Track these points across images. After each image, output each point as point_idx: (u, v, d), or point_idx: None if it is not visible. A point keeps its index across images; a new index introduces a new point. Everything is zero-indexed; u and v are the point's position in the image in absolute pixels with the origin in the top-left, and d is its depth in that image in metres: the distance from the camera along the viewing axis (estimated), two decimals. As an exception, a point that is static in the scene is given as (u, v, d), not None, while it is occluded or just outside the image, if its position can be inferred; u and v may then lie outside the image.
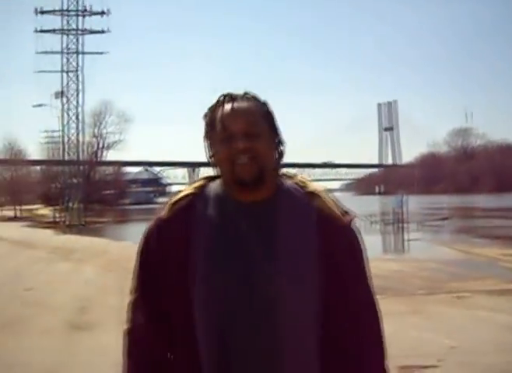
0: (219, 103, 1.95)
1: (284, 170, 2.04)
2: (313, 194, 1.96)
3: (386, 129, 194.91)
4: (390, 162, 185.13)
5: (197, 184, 2.01)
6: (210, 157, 1.97)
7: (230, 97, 1.94)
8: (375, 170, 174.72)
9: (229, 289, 1.83)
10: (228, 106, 1.92)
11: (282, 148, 1.99)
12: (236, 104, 1.92)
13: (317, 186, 2.00)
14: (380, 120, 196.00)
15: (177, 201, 1.97)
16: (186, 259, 1.88)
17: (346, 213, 1.96)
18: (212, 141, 1.96)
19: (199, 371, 1.86)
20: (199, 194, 1.96)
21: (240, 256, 1.85)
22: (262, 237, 1.87)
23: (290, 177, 2.03)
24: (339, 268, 1.90)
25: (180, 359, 1.93)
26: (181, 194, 1.99)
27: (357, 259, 1.96)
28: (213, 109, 1.96)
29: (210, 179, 2.03)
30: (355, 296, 1.93)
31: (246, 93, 1.97)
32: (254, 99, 1.96)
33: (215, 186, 1.98)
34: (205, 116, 1.98)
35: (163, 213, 1.97)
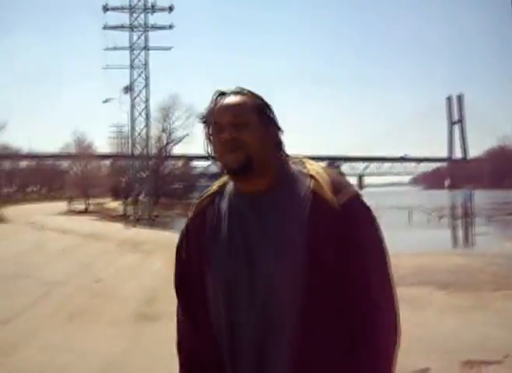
0: (212, 101, 2.06)
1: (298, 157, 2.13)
2: (311, 177, 2.01)
3: (454, 122, 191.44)
4: (459, 155, 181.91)
5: (220, 182, 2.16)
6: (210, 153, 2.08)
7: (222, 93, 2.05)
8: (443, 164, 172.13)
9: (230, 270, 1.97)
10: (219, 102, 2.03)
11: (278, 136, 2.07)
12: (225, 99, 2.03)
13: (315, 169, 2.04)
14: (449, 113, 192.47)
15: (202, 200, 2.16)
16: (202, 253, 2.06)
17: (340, 191, 1.96)
18: (211, 138, 2.07)
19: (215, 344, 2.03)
20: (219, 192, 2.13)
21: (240, 242, 1.98)
22: (259, 223, 1.97)
23: (301, 162, 2.09)
24: (330, 247, 1.91)
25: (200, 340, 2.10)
26: (206, 193, 2.17)
27: (353, 236, 1.93)
28: (208, 108, 2.06)
29: None
30: (354, 289, 1.93)
31: (237, 88, 2.07)
32: (245, 92, 2.06)
33: (231, 183, 2.11)
34: (202, 115, 2.08)
35: (192, 212, 2.18)
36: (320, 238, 1.90)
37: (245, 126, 1.97)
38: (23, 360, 6.81)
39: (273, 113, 2.07)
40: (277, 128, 2.07)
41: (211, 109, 2.04)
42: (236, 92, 2.04)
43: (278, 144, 2.07)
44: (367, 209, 2.01)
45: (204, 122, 2.07)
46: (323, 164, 2.16)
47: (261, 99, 2.06)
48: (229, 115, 1.97)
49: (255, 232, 1.97)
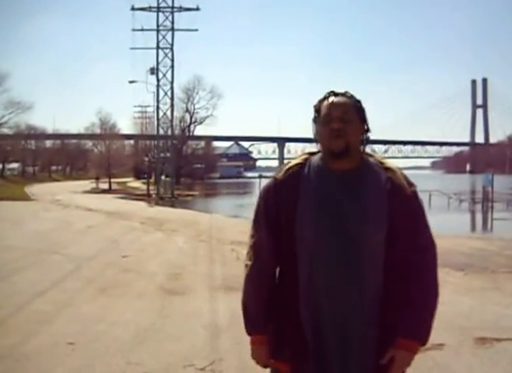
0: (325, 97, 2.72)
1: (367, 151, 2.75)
2: (388, 169, 2.70)
3: (478, 106, 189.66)
4: (481, 140, 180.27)
5: (303, 157, 2.79)
6: (315, 135, 2.68)
7: (334, 93, 2.72)
8: (465, 148, 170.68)
9: (322, 228, 2.59)
10: (331, 99, 2.70)
11: (367, 135, 2.73)
12: (337, 98, 2.69)
13: (391, 163, 2.75)
14: (474, 97, 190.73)
15: (290, 168, 2.74)
16: (294, 210, 2.64)
17: (411, 184, 2.70)
18: (317, 124, 2.71)
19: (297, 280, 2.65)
20: (305, 164, 2.74)
21: (332, 208, 2.61)
22: (348, 195, 2.62)
23: (371, 156, 2.72)
24: (401, 221, 2.62)
25: (285, 272, 2.73)
26: (293, 163, 2.77)
27: (417, 216, 2.70)
28: (321, 101, 2.73)
29: (311, 154, 2.78)
30: (417, 239, 2.68)
31: (345, 92, 2.73)
32: (351, 96, 2.72)
33: (315, 159, 2.75)
34: (315, 106, 2.74)
35: (280, 175, 2.75)
36: (395, 209, 2.61)
37: (349, 121, 2.64)
38: (59, 329, 7.10)
39: (366, 116, 2.73)
40: (367, 128, 2.73)
41: (323, 103, 2.70)
42: (343, 94, 2.72)
43: (366, 139, 2.73)
44: (420, 198, 2.75)
45: (316, 110, 2.69)
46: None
47: (360, 103, 2.73)
48: (340, 111, 2.65)
49: (340, 198, 2.61)
